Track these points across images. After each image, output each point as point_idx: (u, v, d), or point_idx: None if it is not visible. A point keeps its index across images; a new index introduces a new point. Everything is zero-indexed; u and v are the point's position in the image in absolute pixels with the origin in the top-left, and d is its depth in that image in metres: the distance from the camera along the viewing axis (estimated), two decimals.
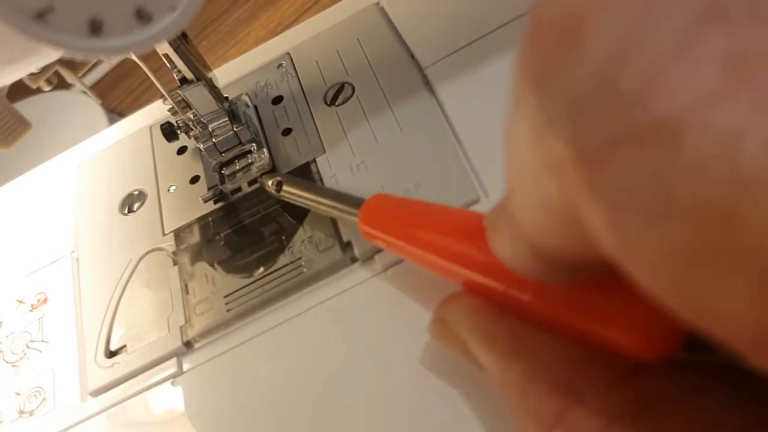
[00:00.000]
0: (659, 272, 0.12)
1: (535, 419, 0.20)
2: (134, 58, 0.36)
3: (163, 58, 0.38)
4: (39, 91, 0.40)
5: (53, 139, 0.70)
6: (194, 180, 0.41)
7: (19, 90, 0.38)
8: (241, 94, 0.43)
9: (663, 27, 0.11)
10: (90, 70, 0.39)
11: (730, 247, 0.11)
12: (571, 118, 0.13)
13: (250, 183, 0.39)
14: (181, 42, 0.37)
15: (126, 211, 0.41)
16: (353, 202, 0.32)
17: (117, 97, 0.66)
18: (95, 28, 0.21)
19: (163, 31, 0.22)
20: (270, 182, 0.37)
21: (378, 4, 0.44)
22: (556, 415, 0.19)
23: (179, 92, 0.39)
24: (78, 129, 0.67)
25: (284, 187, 0.36)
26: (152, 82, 0.39)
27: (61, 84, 0.39)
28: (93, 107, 0.78)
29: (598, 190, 0.12)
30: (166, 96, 0.38)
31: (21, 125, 0.32)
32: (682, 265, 0.11)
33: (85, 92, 0.39)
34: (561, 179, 0.13)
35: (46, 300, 0.40)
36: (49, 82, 0.35)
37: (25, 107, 0.91)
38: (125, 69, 0.33)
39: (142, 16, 0.21)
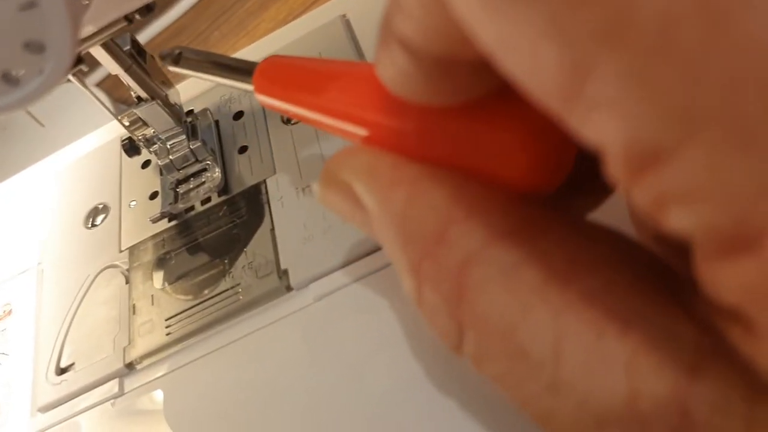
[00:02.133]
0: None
1: (414, 243, 0.19)
2: (73, 80, 0.37)
3: (120, 77, 0.38)
4: None
5: (60, 130, 0.71)
6: (153, 196, 0.41)
7: None
8: (205, 109, 0.43)
9: None
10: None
11: None
12: None
13: (203, 202, 0.39)
14: (134, 61, 0.38)
15: (90, 225, 0.42)
16: (247, 68, 0.31)
17: (127, 89, 0.67)
18: None
19: (32, 93, 0.22)
20: (167, 55, 0.34)
21: (344, 16, 0.44)
22: (437, 234, 0.18)
23: (134, 111, 0.39)
24: (85, 121, 0.68)
25: (182, 59, 0.34)
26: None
27: None
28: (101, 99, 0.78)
29: None
30: (116, 119, 0.38)
31: None
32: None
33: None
34: None
35: (10, 312, 0.41)
36: None
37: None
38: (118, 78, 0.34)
39: (9, 80, 0.21)
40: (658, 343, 0.14)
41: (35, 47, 0.21)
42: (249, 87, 0.30)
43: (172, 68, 0.34)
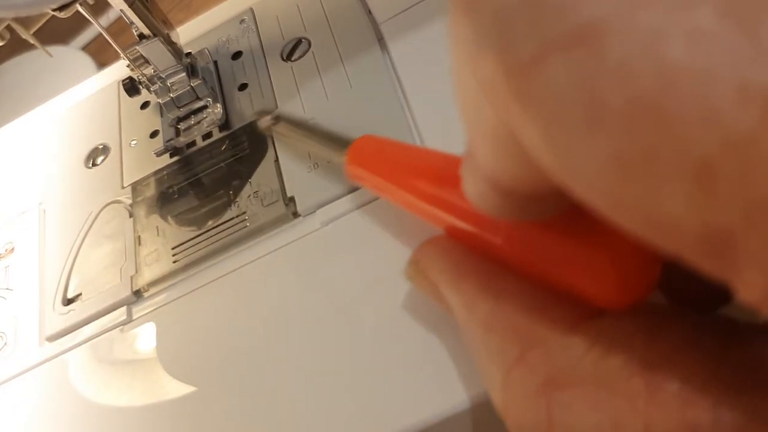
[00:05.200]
0: (597, 181, 0.12)
1: (496, 359, 0.20)
2: (86, 14, 0.37)
3: (120, 13, 0.38)
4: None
5: (45, 91, 0.71)
6: (154, 134, 0.42)
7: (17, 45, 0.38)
8: (203, 49, 0.43)
9: None
10: (44, 25, 0.40)
11: (663, 146, 0.11)
12: (498, 33, 0.13)
13: (205, 137, 0.40)
14: None
15: (90, 165, 0.43)
16: (341, 141, 0.32)
17: (114, 53, 0.67)
18: None
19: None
20: (268, 118, 0.37)
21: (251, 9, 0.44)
22: (517, 357, 0.19)
23: (137, 48, 0.39)
24: (69, 82, 0.68)
25: (281, 123, 0.36)
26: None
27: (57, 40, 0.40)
28: (86, 62, 0.79)
29: (529, 101, 0.12)
30: (121, 53, 0.39)
31: None
32: (618, 170, 0.11)
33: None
34: (494, 98, 0.13)
35: (12, 250, 0.41)
36: (1, 36, 0.35)
37: (21, 62, 0.93)
38: (121, 26, 0.33)
39: None
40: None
41: None
42: (341, 158, 0.32)
43: (266, 129, 0.37)
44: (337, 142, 0.33)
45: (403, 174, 0.28)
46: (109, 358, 0.35)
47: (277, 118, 0.36)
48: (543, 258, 0.21)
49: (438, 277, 0.24)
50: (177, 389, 0.33)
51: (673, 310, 0.19)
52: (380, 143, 0.31)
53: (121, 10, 0.38)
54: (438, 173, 0.27)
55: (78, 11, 0.37)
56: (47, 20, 0.38)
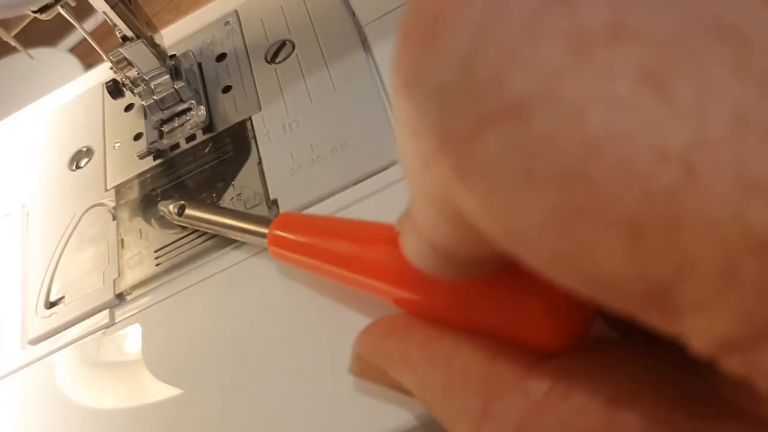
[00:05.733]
0: (537, 240, 0.13)
1: (463, 420, 0.20)
2: (67, 16, 0.37)
3: (104, 15, 0.38)
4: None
5: (31, 93, 0.71)
6: (137, 137, 0.41)
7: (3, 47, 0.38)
8: (187, 51, 0.43)
9: (511, 13, 0.12)
10: (31, 27, 0.40)
11: (594, 206, 0.11)
12: (436, 110, 0.13)
13: (188, 139, 0.40)
14: (120, 0, 0.38)
15: (74, 167, 0.42)
16: (260, 222, 0.32)
17: (101, 55, 0.67)
18: None
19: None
20: (171, 207, 0.35)
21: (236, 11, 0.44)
22: (482, 412, 0.19)
23: (120, 50, 0.39)
24: (55, 85, 0.68)
25: (187, 211, 0.35)
26: None
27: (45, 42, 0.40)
28: (73, 64, 0.79)
29: (468, 172, 0.13)
30: (104, 55, 0.39)
31: None
32: (556, 228, 0.12)
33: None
34: (436, 170, 0.14)
35: None
36: None
37: (8, 63, 0.92)
38: (108, 28, 0.33)
39: None
40: None
41: None
42: (262, 240, 0.31)
43: (176, 221, 0.35)
44: (255, 223, 0.32)
45: (330, 249, 0.28)
46: (92, 361, 0.35)
47: (183, 207, 0.35)
48: (480, 311, 0.22)
49: (385, 364, 0.24)
50: (160, 392, 0.33)
51: (630, 343, 0.19)
52: (301, 220, 0.31)
53: (104, 12, 0.38)
54: (364, 241, 0.27)
55: (60, 13, 0.37)
56: (35, 22, 0.38)
